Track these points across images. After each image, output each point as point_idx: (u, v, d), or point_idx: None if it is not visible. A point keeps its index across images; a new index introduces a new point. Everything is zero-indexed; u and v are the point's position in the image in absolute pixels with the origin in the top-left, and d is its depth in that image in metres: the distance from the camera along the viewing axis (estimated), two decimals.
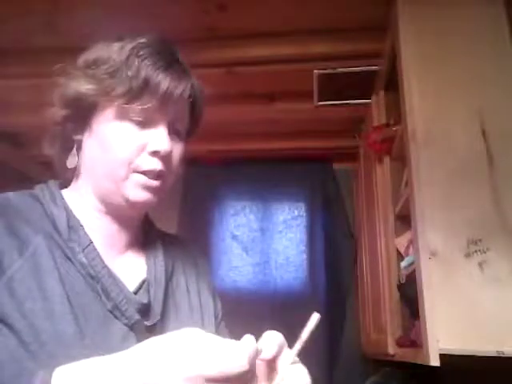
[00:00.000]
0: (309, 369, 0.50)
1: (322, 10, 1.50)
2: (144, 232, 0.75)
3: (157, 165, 0.64)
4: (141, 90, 0.61)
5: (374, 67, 1.72)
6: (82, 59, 0.66)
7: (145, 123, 0.64)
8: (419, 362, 1.10)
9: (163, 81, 0.62)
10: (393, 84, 1.51)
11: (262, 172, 2.60)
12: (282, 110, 2.08)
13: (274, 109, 2.05)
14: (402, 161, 1.48)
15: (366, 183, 2.04)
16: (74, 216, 0.65)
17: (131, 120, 0.63)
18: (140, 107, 0.62)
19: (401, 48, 1.27)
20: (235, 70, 1.77)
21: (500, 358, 0.96)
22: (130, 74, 0.61)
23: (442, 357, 0.99)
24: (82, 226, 0.64)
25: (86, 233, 0.63)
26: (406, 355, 1.35)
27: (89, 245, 0.62)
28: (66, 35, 1.53)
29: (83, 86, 0.64)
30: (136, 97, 0.62)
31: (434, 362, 0.99)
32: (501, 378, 1.20)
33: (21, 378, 0.48)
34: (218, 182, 2.61)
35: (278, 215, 2.58)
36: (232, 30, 1.59)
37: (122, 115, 0.63)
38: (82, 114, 0.66)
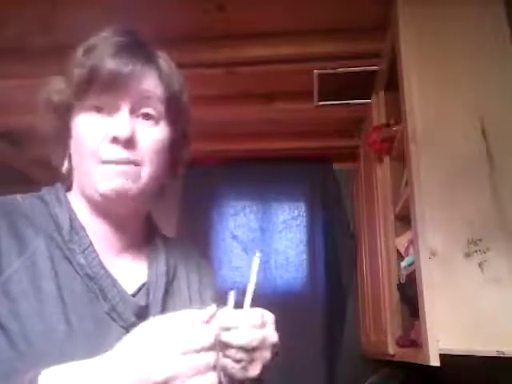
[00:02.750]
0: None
1: (322, 10, 1.49)
2: (146, 235, 0.74)
3: (120, 153, 0.62)
4: (89, 77, 0.62)
5: (374, 67, 1.72)
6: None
7: (108, 111, 0.64)
8: (419, 362, 1.10)
9: (108, 63, 0.61)
10: (393, 84, 1.51)
11: (262, 172, 2.60)
12: (282, 110, 2.08)
13: (273, 109, 2.05)
14: (401, 161, 1.48)
15: (366, 183, 2.04)
16: (77, 217, 0.65)
17: (95, 111, 0.64)
18: (94, 93, 0.62)
19: (401, 48, 1.27)
20: (235, 70, 1.77)
21: (500, 358, 0.96)
22: (80, 69, 0.63)
23: (442, 357, 0.99)
24: (83, 227, 0.64)
25: (86, 234, 0.64)
26: (405, 355, 1.35)
27: (89, 246, 0.63)
28: (66, 35, 1.52)
29: (57, 90, 0.67)
30: (88, 84, 0.62)
31: (434, 362, 0.99)
32: (501, 378, 1.20)
33: (9, 379, 0.48)
34: (217, 181, 2.61)
35: (278, 215, 2.58)
36: (231, 30, 1.58)
37: (85, 108, 0.64)
38: (66, 119, 0.67)
